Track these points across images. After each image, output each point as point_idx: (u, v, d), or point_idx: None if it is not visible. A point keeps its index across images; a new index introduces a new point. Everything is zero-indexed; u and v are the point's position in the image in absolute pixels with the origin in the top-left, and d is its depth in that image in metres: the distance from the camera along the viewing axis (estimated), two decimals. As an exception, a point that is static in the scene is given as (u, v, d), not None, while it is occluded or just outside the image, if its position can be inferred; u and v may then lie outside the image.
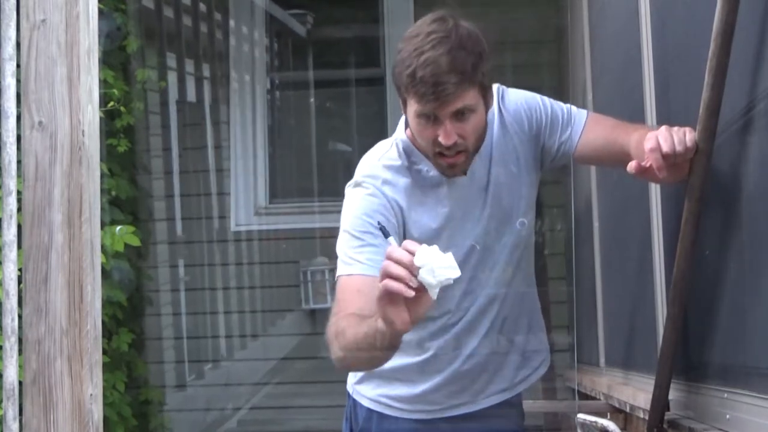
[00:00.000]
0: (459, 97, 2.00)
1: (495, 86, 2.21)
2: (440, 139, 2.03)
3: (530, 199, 2.25)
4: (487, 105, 2.10)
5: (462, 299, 2.22)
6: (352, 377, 2.38)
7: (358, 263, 2.08)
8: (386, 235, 1.82)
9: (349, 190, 2.20)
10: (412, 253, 1.67)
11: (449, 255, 1.68)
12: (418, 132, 2.08)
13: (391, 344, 1.84)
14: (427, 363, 2.26)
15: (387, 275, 1.67)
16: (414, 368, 2.26)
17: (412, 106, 2.05)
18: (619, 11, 3.16)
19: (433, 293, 1.69)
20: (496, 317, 2.26)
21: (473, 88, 2.02)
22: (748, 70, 1.74)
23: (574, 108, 2.24)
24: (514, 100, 2.23)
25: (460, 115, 2.03)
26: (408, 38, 2.04)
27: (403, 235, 2.15)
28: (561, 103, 2.25)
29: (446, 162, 2.09)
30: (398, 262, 1.67)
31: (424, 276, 1.66)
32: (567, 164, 2.23)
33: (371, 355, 1.91)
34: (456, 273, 1.68)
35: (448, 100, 1.99)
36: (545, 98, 2.25)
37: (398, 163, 2.18)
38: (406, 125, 2.17)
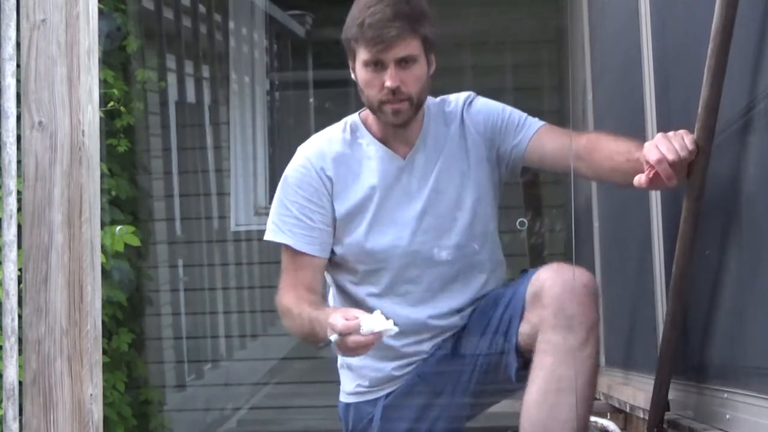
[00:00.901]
0: (402, 43, 2.21)
1: (468, 93, 2.42)
2: (386, 83, 2.21)
3: (481, 197, 2.36)
4: (429, 63, 2.28)
5: (401, 273, 2.34)
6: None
7: (281, 231, 2.34)
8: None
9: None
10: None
11: (378, 316, 2.02)
12: (366, 81, 2.26)
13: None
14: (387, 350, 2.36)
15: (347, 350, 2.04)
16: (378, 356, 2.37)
17: (361, 56, 2.24)
18: (619, 11, 3.16)
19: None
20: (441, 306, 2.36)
21: (416, 39, 2.23)
22: (748, 69, 1.74)
23: (531, 117, 2.40)
24: (478, 107, 2.41)
25: (403, 63, 2.22)
26: (358, 1, 2.27)
27: (331, 205, 2.34)
28: (521, 112, 2.40)
29: (391, 107, 2.25)
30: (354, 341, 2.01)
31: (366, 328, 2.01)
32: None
33: (303, 338, 2.28)
34: (390, 327, 2.02)
35: (392, 44, 2.20)
36: (507, 107, 2.41)
37: (339, 135, 2.39)
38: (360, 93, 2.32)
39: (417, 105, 2.29)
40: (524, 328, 2.17)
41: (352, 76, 2.32)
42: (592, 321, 2.08)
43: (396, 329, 2.01)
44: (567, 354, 2.04)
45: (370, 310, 2.17)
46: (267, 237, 2.37)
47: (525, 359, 2.17)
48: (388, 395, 2.36)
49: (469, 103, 2.41)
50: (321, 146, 2.39)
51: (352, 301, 2.35)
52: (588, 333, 2.07)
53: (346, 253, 2.35)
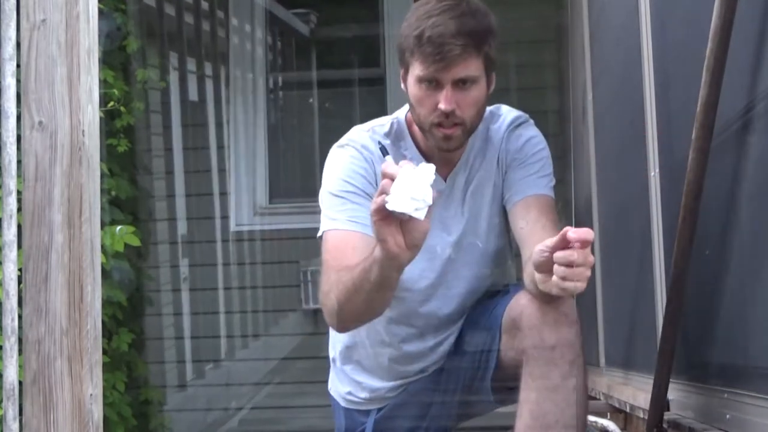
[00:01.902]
0: (463, 63, 2.00)
1: (518, 115, 2.23)
2: (440, 104, 2.02)
3: (500, 227, 2.23)
4: (489, 84, 2.09)
5: (422, 304, 2.23)
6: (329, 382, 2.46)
7: (342, 220, 2.08)
8: (385, 154, 1.85)
9: (333, 150, 2.21)
10: (392, 177, 1.68)
11: (426, 190, 1.67)
12: (418, 98, 2.07)
13: (388, 275, 1.83)
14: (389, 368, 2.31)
15: (382, 192, 1.70)
16: (377, 369, 2.32)
17: (415, 70, 2.04)
18: (619, 11, 3.15)
19: (419, 215, 1.68)
20: (455, 331, 2.28)
21: (478, 58, 2.02)
22: (747, 69, 1.74)
23: (544, 178, 2.19)
24: (520, 132, 2.21)
25: (461, 83, 2.02)
26: (417, 6, 2.07)
27: None
28: (546, 165, 2.20)
29: (442, 132, 2.07)
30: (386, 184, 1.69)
31: (392, 205, 1.66)
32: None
33: (367, 297, 1.90)
34: (422, 211, 1.67)
35: (452, 63, 1.99)
36: (543, 153, 2.21)
37: (386, 141, 2.18)
38: (409, 108, 2.16)
39: (470, 130, 2.12)
40: (504, 349, 2.10)
41: (402, 85, 2.14)
42: (574, 351, 1.97)
43: (422, 212, 1.68)
44: (550, 389, 1.96)
45: (383, 333, 2.17)
46: (324, 229, 2.11)
47: (512, 372, 2.07)
48: (380, 409, 2.34)
49: (516, 125, 2.22)
50: (366, 144, 2.18)
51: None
52: (571, 365, 1.96)
53: None
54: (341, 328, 2.14)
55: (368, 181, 2.14)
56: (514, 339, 2.05)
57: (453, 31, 1.98)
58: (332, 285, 1.98)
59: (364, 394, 2.34)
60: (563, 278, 1.71)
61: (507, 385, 2.10)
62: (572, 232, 1.70)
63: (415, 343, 2.27)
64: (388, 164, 1.74)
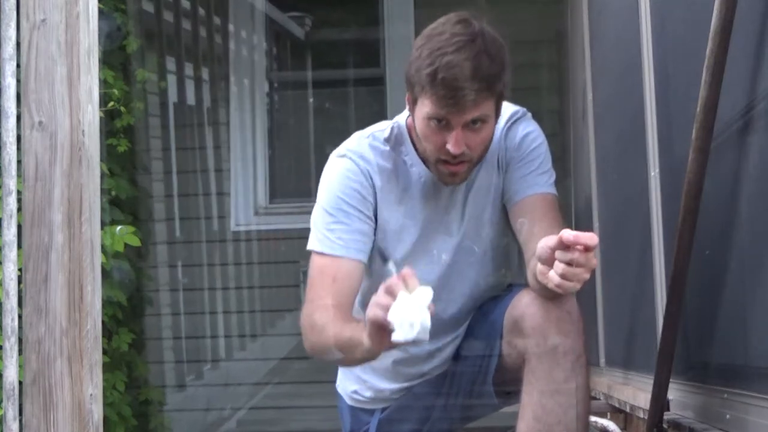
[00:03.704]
0: (476, 106, 1.94)
1: (515, 111, 2.20)
2: (449, 146, 1.97)
3: (500, 227, 2.21)
4: (497, 116, 2.05)
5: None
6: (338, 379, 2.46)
7: (328, 242, 2.09)
8: (385, 260, 1.85)
9: (332, 158, 2.19)
10: (394, 295, 1.69)
11: (425, 314, 1.69)
12: (425, 135, 2.02)
13: (369, 357, 1.88)
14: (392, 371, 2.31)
15: (375, 305, 1.71)
16: (381, 373, 2.32)
17: (425, 107, 1.98)
18: (619, 11, 3.15)
19: (422, 336, 1.72)
20: (459, 335, 2.28)
21: (491, 99, 1.97)
22: (747, 69, 1.74)
23: (544, 175, 2.16)
24: (518, 131, 2.18)
25: (472, 124, 1.97)
26: (430, 35, 1.98)
27: (375, 216, 2.14)
28: (545, 160, 2.17)
29: (448, 169, 2.04)
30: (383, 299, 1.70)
31: (397, 336, 1.70)
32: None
33: (347, 358, 1.96)
34: (423, 337, 1.70)
35: (465, 108, 1.93)
36: (541, 147, 2.18)
37: (385, 148, 2.15)
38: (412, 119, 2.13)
39: (477, 164, 2.08)
40: (507, 350, 2.10)
41: (407, 108, 2.08)
42: (577, 351, 1.96)
43: (424, 339, 1.73)
44: (553, 389, 1.95)
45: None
46: (312, 248, 2.12)
47: (514, 374, 2.07)
48: (384, 409, 2.35)
49: (513, 121, 2.18)
50: (365, 153, 2.15)
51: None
52: (573, 364, 1.95)
53: (374, 275, 2.19)
54: (310, 353, 2.12)
55: (363, 197, 2.12)
56: (516, 339, 2.04)
57: (468, 75, 1.90)
58: (313, 322, 2.00)
59: (368, 393, 2.34)
60: (562, 275, 1.71)
61: (509, 386, 2.10)
62: (572, 236, 1.69)
63: (421, 345, 2.27)
64: (387, 288, 1.71)
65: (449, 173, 2.05)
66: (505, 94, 2.04)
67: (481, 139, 2.01)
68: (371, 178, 2.13)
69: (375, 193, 2.13)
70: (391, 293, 1.70)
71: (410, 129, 2.16)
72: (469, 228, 2.19)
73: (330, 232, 2.09)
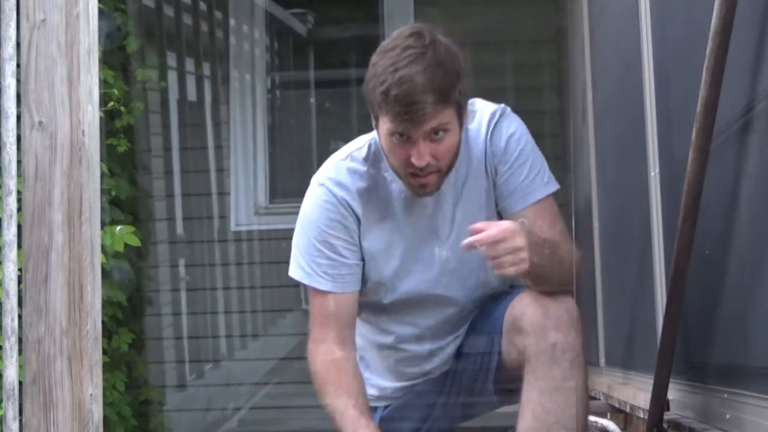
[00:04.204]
0: (434, 117, 1.95)
1: (496, 108, 2.18)
2: (413, 159, 1.99)
3: None
4: (462, 123, 2.05)
5: (426, 309, 2.25)
6: None
7: (316, 276, 2.19)
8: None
9: (312, 184, 2.21)
10: None
11: None
12: (390, 150, 2.04)
13: None
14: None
15: None
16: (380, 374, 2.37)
17: (385, 124, 2.00)
18: (619, 11, 3.15)
19: None
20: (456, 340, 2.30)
21: (449, 108, 1.97)
22: (748, 69, 1.74)
23: (540, 178, 2.16)
24: (502, 130, 2.16)
25: (434, 134, 1.98)
26: (382, 51, 2.02)
27: (359, 242, 2.18)
28: (536, 164, 2.16)
29: (418, 182, 2.05)
30: None
31: None
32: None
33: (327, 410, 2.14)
34: None
35: (423, 120, 1.94)
36: (528, 147, 2.17)
37: (363, 168, 2.16)
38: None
39: (447, 173, 2.08)
40: (506, 349, 2.11)
41: (373, 123, 2.10)
42: (575, 349, 1.98)
43: None
44: (552, 388, 1.97)
45: (389, 337, 2.24)
46: (300, 279, 2.23)
47: (514, 373, 2.08)
48: (386, 407, 2.36)
49: (495, 123, 2.16)
50: (343, 180, 2.17)
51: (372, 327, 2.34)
52: (572, 363, 1.97)
53: (369, 289, 2.24)
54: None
55: (344, 226, 2.17)
56: (516, 339, 2.06)
57: (421, 87, 1.91)
58: (315, 371, 2.17)
59: (371, 391, 2.35)
60: (494, 266, 1.92)
61: (510, 385, 2.11)
62: (468, 243, 1.92)
63: (421, 345, 2.28)
64: None
65: (419, 185, 2.07)
66: (465, 100, 2.04)
67: (446, 148, 2.01)
68: (350, 207, 2.16)
69: (358, 220, 2.17)
70: None
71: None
72: (461, 231, 2.17)
73: (316, 266, 2.20)
